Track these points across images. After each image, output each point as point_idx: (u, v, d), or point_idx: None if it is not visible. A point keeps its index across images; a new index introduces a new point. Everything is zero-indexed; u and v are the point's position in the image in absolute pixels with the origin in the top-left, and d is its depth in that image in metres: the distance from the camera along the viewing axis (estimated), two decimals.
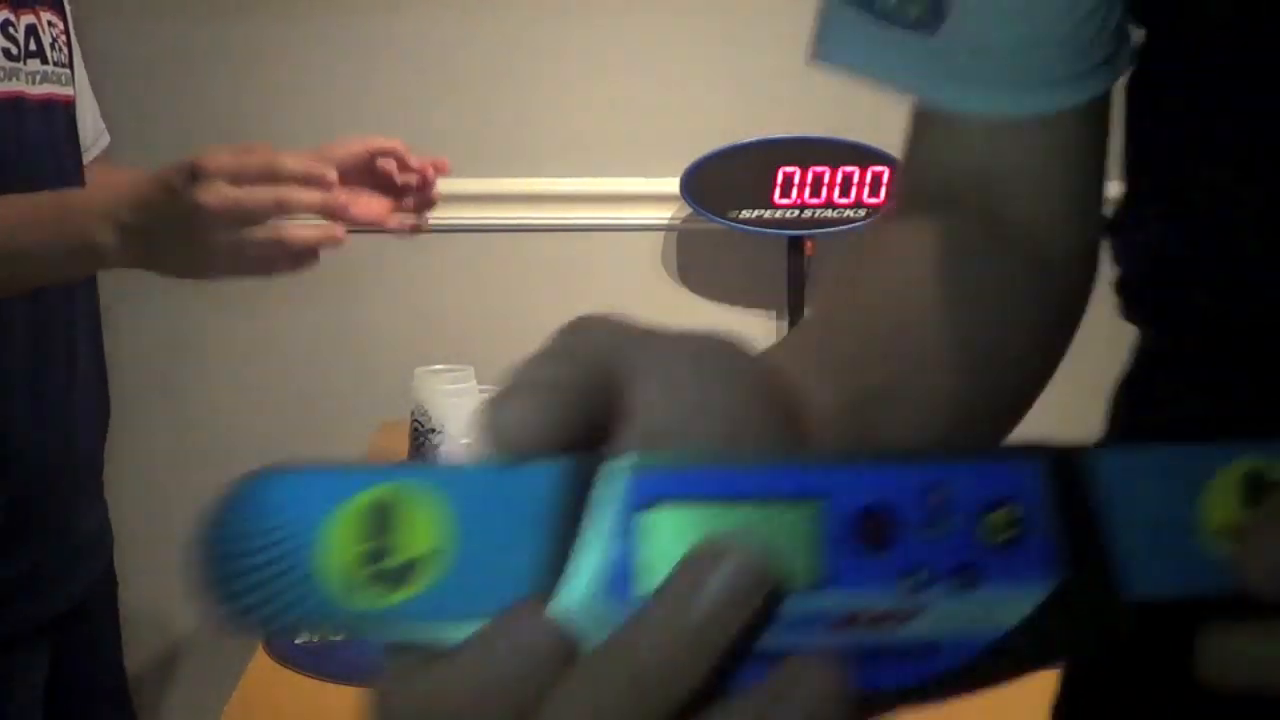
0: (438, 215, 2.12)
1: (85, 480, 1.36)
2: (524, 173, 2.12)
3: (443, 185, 2.10)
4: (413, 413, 1.50)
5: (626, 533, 0.27)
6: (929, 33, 0.55)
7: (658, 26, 2.09)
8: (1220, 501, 0.28)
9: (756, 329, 2.19)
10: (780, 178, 2.03)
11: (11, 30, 1.23)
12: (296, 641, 1.20)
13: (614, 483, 0.28)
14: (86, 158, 1.38)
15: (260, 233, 1.09)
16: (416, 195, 1.35)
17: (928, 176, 0.59)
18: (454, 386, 1.50)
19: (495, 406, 0.29)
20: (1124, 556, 0.28)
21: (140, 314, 2.02)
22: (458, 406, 1.48)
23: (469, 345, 2.03)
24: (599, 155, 2.12)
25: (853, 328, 0.50)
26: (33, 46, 1.26)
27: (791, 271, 2.10)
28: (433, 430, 1.47)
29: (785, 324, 2.14)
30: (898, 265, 0.54)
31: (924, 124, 0.59)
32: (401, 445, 1.54)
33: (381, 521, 0.26)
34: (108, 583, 1.44)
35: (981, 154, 0.57)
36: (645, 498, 0.28)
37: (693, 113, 2.09)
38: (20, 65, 1.24)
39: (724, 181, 2.05)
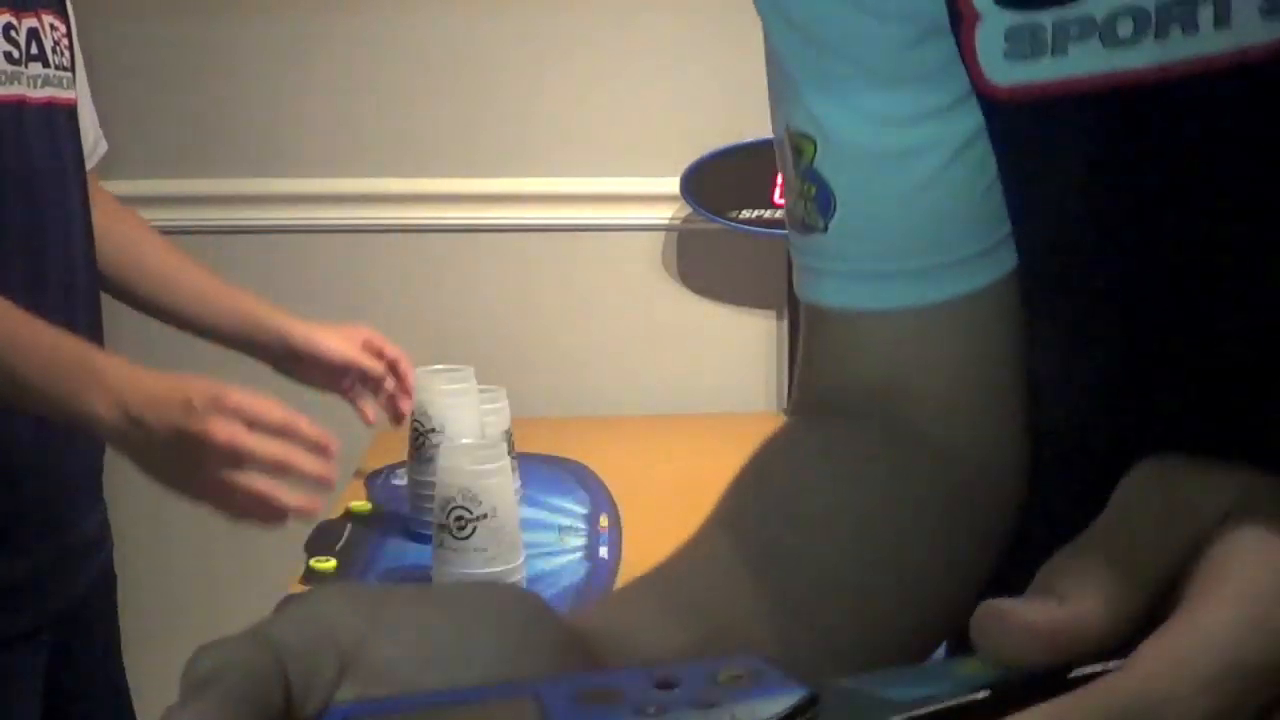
0: (438, 215, 2.12)
1: (85, 481, 1.36)
2: (524, 173, 2.12)
3: (443, 185, 2.11)
4: (412, 413, 1.50)
5: None
6: (821, 232, 0.51)
7: (658, 26, 2.09)
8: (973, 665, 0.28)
9: (756, 329, 2.19)
10: (780, 178, 2.03)
11: (13, 34, 1.23)
12: None
13: None
14: (86, 166, 1.38)
15: (250, 481, 1.13)
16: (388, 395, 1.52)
17: (825, 383, 0.54)
18: (454, 387, 1.50)
19: (170, 715, 0.28)
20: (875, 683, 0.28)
21: (142, 314, 2.01)
22: (457, 407, 1.48)
23: (469, 345, 2.03)
24: (599, 155, 2.12)
25: (730, 556, 0.46)
26: (34, 50, 1.26)
27: (791, 271, 2.10)
28: (432, 430, 1.47)
29: (785, 324, 2.14)
30: (794, 487, 0.50)
31: (819, 324, 0.54)
32: (401, 445, 1.54)
33: None
34: (107, 583, 1.44)
35: (882, 355, 0.51)
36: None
37: (693, 113, 2.09)
38: (22, 69, 1.24)
39: (724, 181, 2.05)
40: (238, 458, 1.11)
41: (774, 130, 0.54)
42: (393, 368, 1.52)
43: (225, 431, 1.10)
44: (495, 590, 0.33)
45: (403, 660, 0.30)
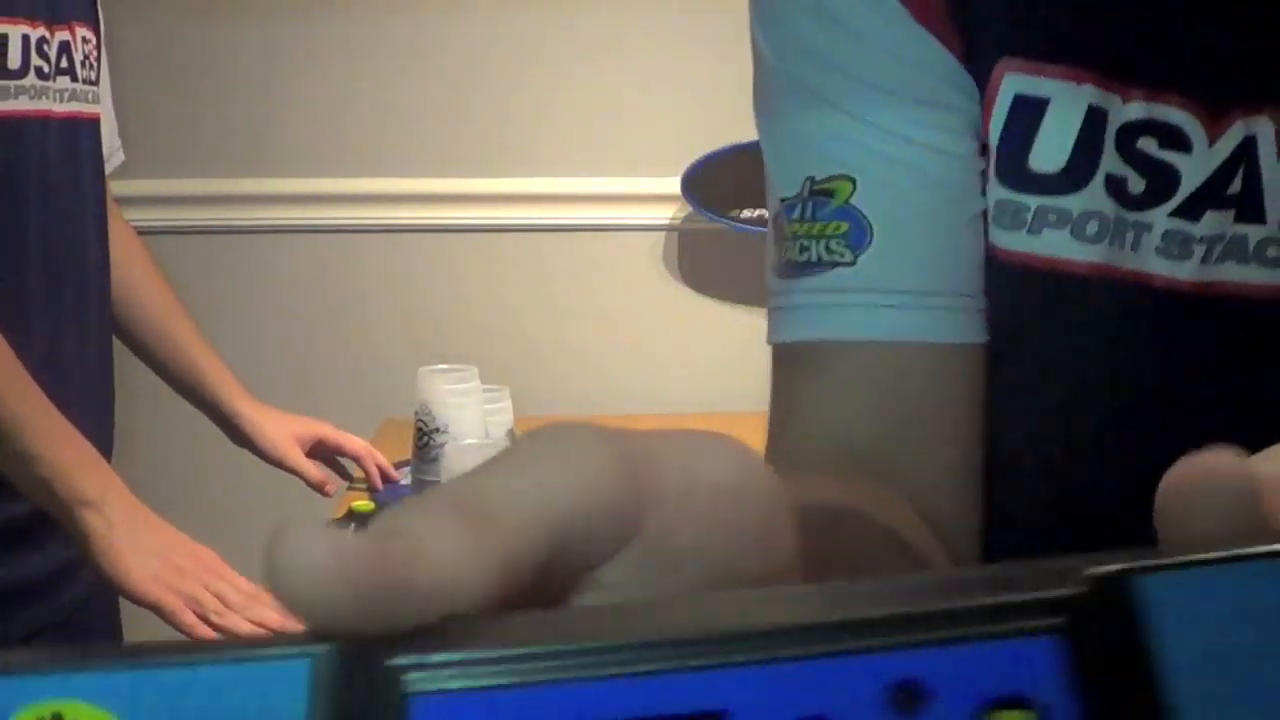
0: (440, 216, 2.12)
1: None
2: (524, 173, 2.12)
3: (445, 185, 2.11)
4: (416, 412, 1.50)
5: None
6: (847, 265, 0.54)
7: (659, 25, 2.09)
8: None
9: (757, 329, 2.18)
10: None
11: (45, 48, 1.23)
12: None
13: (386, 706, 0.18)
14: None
15: (203, 594, 1.20)
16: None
17: (804, 444, 0.55)
18: (457, 386, 1.50)
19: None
20: None
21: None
22: (461, 406, 1.48)
23: (472, 345, 2.03)
24: (599, 155, 2.12)
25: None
26: (64, 64, 1.26)
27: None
28: (436, 430, 1.47)
29: None
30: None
31: (814, 364, 0.56)
32: (405, 445, 1.54)
33: None
34: (109, 585, 1.43)
35: (885, 390, 0.54)
36: None
37: (693, 113, 2.09)
38: (49, 84, 1.24)
39: (724, 181, 2.05)
40: (206, 562, 1.21)
41: (779, 196, 0.57)
42: (359, 462, 1.59)
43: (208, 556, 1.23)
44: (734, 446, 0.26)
45: (693, 543, 0.22)
